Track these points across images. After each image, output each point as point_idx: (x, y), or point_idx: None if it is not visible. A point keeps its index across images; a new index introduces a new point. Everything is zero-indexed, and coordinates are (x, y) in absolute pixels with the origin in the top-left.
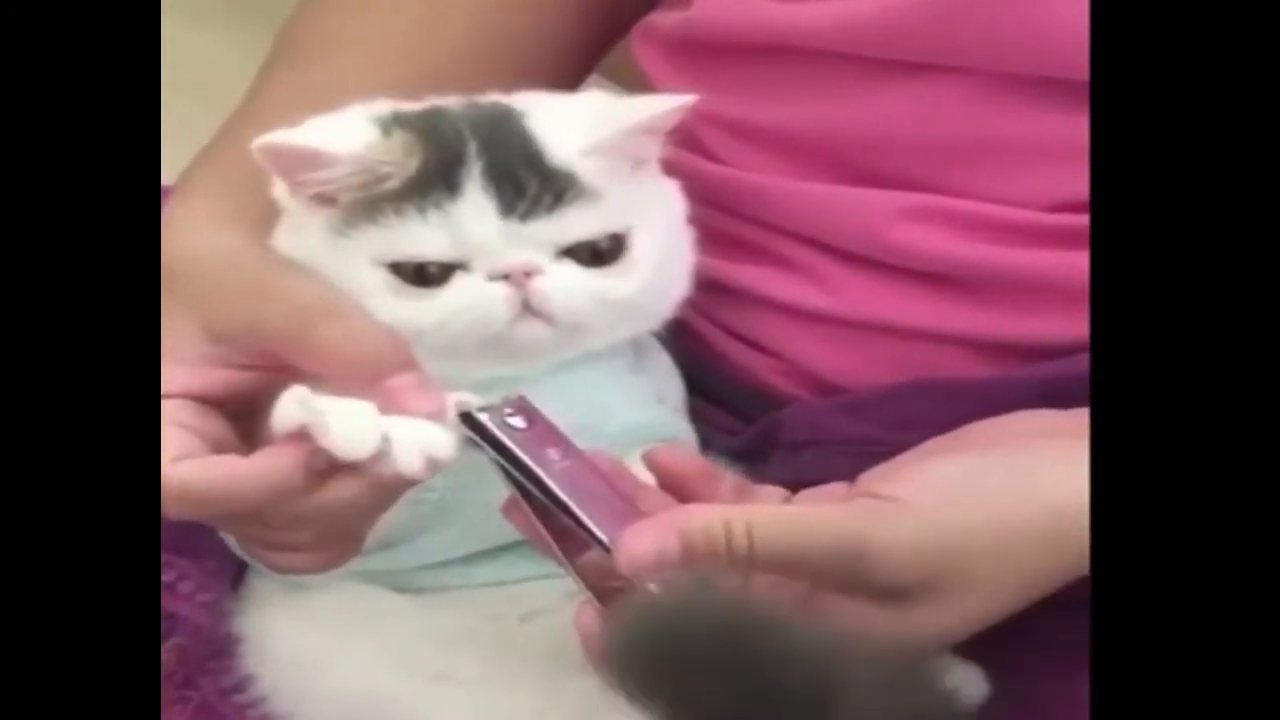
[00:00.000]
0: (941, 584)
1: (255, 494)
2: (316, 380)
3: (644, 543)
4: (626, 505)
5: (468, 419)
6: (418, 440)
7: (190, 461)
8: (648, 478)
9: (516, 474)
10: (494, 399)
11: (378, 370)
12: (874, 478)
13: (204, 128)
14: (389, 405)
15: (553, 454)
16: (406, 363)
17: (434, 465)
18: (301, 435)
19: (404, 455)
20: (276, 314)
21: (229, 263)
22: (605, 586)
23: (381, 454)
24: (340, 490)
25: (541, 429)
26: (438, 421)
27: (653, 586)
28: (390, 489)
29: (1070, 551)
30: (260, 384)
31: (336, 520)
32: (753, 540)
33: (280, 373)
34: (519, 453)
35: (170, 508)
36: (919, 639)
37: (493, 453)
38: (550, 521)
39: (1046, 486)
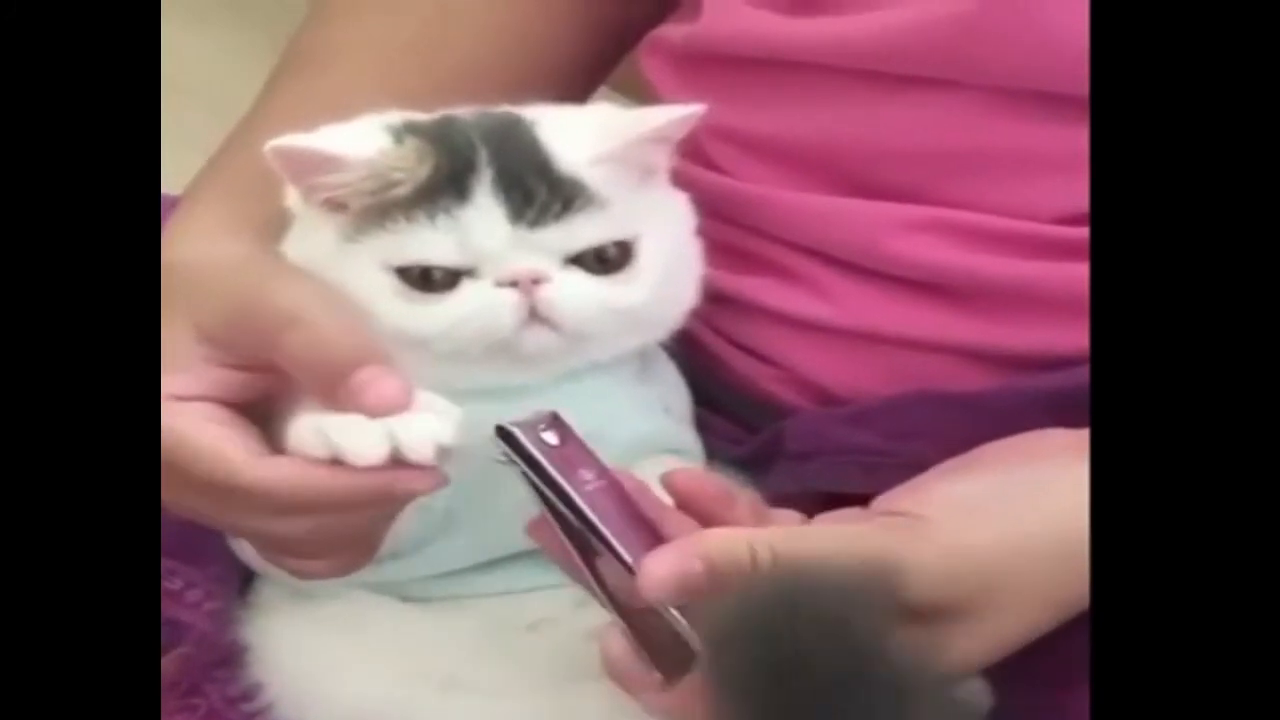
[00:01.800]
0: (970, 605)
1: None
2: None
3: (667, 566)
4: (650, 527)
5: (502, 432)
6: (422, 431)
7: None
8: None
9: (547, 491)
10: (502, 411)
11: (342, 373)
12: (894, 496)
13: (202, 129)
14: (352, 400)
15: (585, 474)
16: (373, 361)
17: (444, 452)
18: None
19: (416, 447)
20: (255, 317)
21: (223, 267)
22: (630, 607)
23: (394, 450)
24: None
25: (574, 447)
26: (401, 409)
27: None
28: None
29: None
30: (263, 385)
31: (355, 527)
32: (777, 561)
33: (277, 374)
34: (553, 471)
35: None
36: (949, 663)
37: (525, 468)
38: (575, 540)
39: (1066, 505)
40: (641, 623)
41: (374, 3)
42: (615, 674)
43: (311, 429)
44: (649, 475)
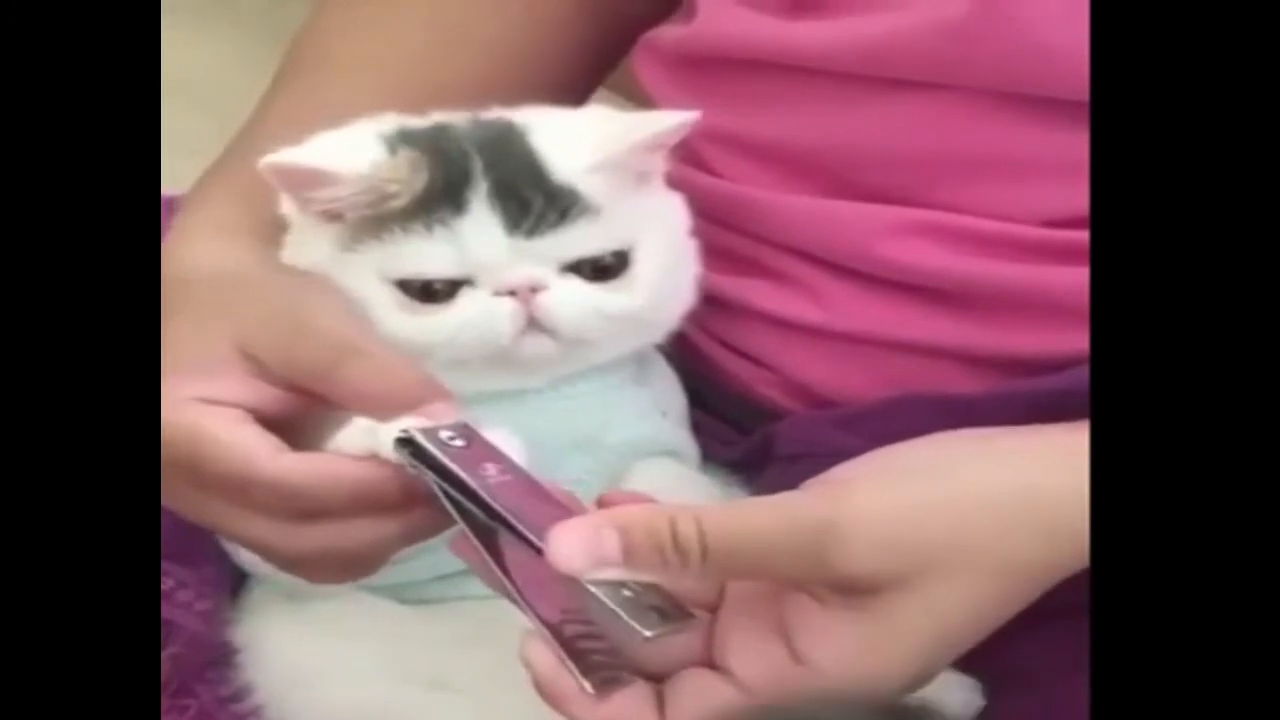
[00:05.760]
0: (912, 569)
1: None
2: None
3: (576, 537)
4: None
5: (404, 443)
6: None
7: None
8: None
9: (452, 491)
10: (502, 415)
11: (404, 405)
12: (828, 472)
13: (200, 133)
14: None
15: (490, 469)
16: (435, 394)
17: None
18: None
19: None
20: (308, 350)
21: (269, 285)
22: (552, 618)
23: None
24: (377, 529)
25: (479, 448)
26: None
27: (592, 587)
28: (421, 528)
29: (1053, 534)
30: (294, 404)
31: (363, 555)
32: (703, 533)
33: (312, 397)
34: (452, 467)
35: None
36: (906, 642)
37: (432, 475)
38: (488, 542)
39: (1008, 463)
40: (567, 630)
41: (376, 5)
42: (540, 686)
43: (363, 426)
44: (646, 476)
